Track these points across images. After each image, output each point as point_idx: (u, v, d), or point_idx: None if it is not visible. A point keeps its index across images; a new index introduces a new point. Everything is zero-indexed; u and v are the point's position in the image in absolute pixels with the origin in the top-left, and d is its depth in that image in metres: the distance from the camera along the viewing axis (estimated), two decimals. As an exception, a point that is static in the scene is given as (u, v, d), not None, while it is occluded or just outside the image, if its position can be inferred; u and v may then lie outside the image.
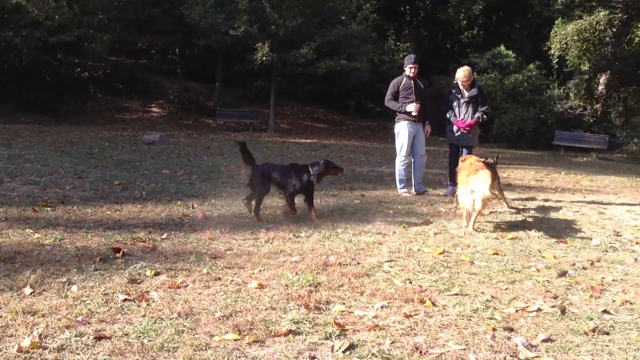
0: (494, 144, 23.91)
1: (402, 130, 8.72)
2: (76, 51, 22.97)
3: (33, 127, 18.47)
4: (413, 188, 8.90)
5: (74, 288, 3.79)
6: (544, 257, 5.20)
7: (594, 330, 3.42)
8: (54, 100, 22.36)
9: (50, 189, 7.63)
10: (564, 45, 25.35)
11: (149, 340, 3.04)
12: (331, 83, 26.31)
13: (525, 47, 30.75)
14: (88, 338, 3.02)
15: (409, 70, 8.56)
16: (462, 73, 8.43)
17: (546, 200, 8.97)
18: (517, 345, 3.17)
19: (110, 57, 27.74)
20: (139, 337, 3.08)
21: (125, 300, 3.64)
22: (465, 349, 3.10)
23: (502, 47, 28.29)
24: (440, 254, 5.19)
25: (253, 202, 6.52)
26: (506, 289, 4.22)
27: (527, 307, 3.81)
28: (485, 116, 8.46)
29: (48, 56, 22.10)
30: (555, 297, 4.05)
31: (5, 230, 5.23)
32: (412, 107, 8.52)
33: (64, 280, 3.94)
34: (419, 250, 5.32)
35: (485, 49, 29.42)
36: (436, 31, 34.95)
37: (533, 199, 9.06)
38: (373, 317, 3.55)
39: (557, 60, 26.64)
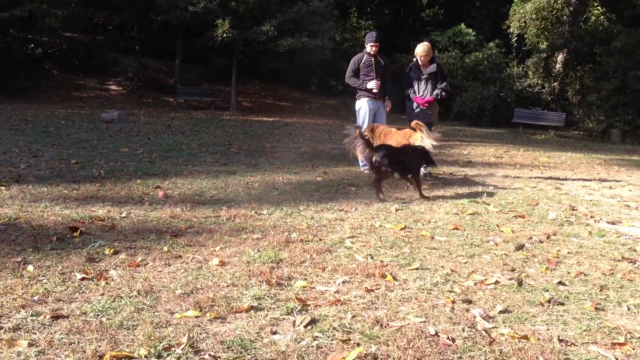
0: (455, 121, 24.22)
1: (362, 106, 8.78)
2: (29, 27, 22.18)
3: (-15, 105, 17.85)
4: None
5: (30, 267, 3.69)
6: (502, 231, 5.31)
7: (549, 301, 3.52)
8: (7, 78, 21.60)
9: (3, 167, 7.40)
10: (523, 24, 25.70)
11: (108, 319, 2.99)
12: (293, 61, 26.11)
13: (485, 26, 31.03)
14: (44, 317, 2.96)
15: (369, 47, 8.59)
16: (420, 48, 8.41)
17: (505, 176, 9.14)
18: (475, 317, 3.23)
19: (66, 33, 26.86)
20: (97, 315, 3.03)
21: (83, 279, 3.57)
22: (425, 322, 3.15)
23: (463, 25, 28.52)
24: (401, 229, 5.24)
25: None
26: (465, 262, 4.30)
27: (485, 280, 3.89)
28: (444, 93, 8.44)
29: (0, 32, 21.29)
30: (513, 270, 4.14)
31: (-44, 210, 5.07)
32: (372, 84, 8.57)
33: (19, 259, 3.84)
34: (380, 226, 5.36)
35: (446, 27, 29.61)
36: (398, 9, 34.98)
37: (492, 175, 9.22)
38: (334, 292, 3.58)
39: (516, 38, 27.01)
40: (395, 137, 7.82)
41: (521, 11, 25.42)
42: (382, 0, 35.44)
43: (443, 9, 34.52)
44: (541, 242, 5.00)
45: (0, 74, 21.45)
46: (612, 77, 21.97)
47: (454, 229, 5.32)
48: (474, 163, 10.88)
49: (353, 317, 3.19)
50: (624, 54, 21.09)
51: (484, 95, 24.41)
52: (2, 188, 6.11)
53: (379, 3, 35.65)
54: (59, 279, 3.55)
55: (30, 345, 2.66)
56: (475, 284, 3.81)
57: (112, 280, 3.60)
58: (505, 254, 4.56)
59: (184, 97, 24.30)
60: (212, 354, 2.67)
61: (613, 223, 5.92)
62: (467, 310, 3.33)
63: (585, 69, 26.27)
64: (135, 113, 19.47)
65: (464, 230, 5.32)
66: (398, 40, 29.97)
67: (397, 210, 6.09)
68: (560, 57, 26.16)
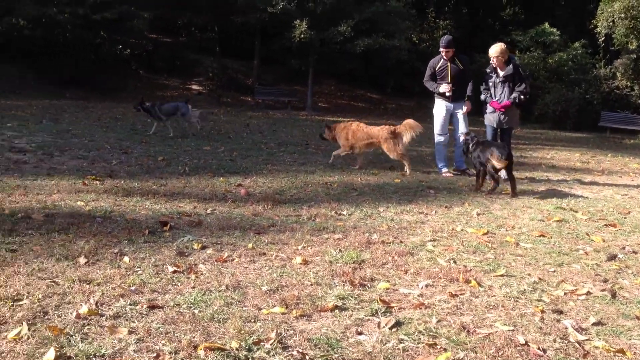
0: (536, 124, 23.43)
1: (438, 108, 8.88)
2: (118, 28, 23.29)
3: (78, 103, 18.87)
4: (454, 165, 9.03)
5: (126, 259, 3.89)
6: (592, 240, 5.10)
7: (645, 315, 3.36)
8: (98, 77, 22.78)
9: (97, 163, 7.82)
10: (611, 23, 24.50)
11: (200, 311, 3.11)
12: (369, 61, 26.08)
13: (570, 25, 29.87)
14: (142, 307, 3.11)
15: (442, 52, 8.65)
16: (492, 50, 8.04)
17: (592, 182, 8.77)
18: (567, 328, 3.13)
19: (151, 34, 28.03)
20: (190, 307, 3.16)
21: (174, 272, 3.72)
22: (513, 330, 3.08)
23: (547, 25, 27.53)
24: (484, 234, 5.14)
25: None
26: (554, 271, 4.16)
27: (576, 290, 3.75)
28: (522, 96, 7.98)
29: (91, 33, 22.47)
30: (605, 281, 3.97)
31: (58, 202, 5.39)
32: (444, 88, 8.63)
33: (115, 251, 4.05)
34: (462, 230, 5.28)
35: (527, 26, 28.67)
36: (477, 8, 34.22)
37: (579, 181, 8.86)
38: (418, 296, 3.56)
39: (603, 38, 25.79)
40: (362, 133, 8.70)
41: (609, 10, 24.25)
42: (460, -1, 34.82)
43: (524, 8, 33.45)
44: (635, 252, 4.77)
45: (92, 74, 22.66)
46: None
47: (540, 236, 5.16)
48: (559, 168, 10.49)
49: (438, 321, 3.16)
50: None
51: (568, 98, 23.50)
52: (97, 182, 6.47)
53: (457, 2, 35.01)
54: (153, 270, 3.72)
55: (130, 332, 2.81)
56: (565, 293, 3.68)
57: (202, 274, 3.73)
58: (596, 264, 4.38)
59: (262, 96, 24.80)
60: (300, 350, 2.72)
61: None
62: (558, 320, 3.23)
63: (679, 70, 24.79)
64: (216, 112, 20.04)
65: (551, 237, 5.14)
66: (477, 40, 29.33)
67: (478, 214, 5.97)
68: (651, 57, 24.79)
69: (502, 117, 8.12)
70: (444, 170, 8.77)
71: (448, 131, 9.01)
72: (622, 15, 24.00)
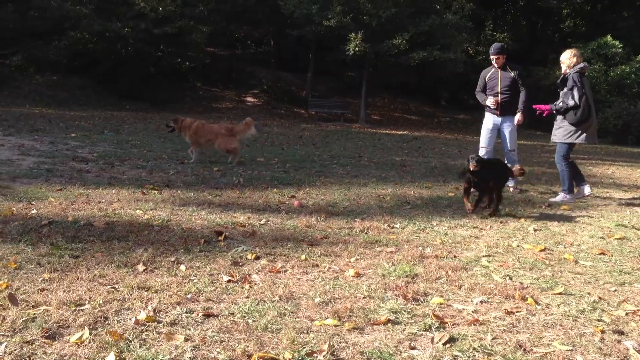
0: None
1: (485, 121, 8.54)
2: (177, 42, 24.00)
3: (137, 115, 19.50)
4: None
5: (182, 267, 3.99)
6: (656, 259, 4.91)
7: None
8: (156, 89, 23.50)
9: (156, 173, 8.06)
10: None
11: (254, 321, 3.15)
12: (424, 74, 25.93)
13: (634, 38, 28.87)
14: (197, 315, 3.18)
15: (492, 60, 8.33)
16: (563, 56, 7.67)
17: (656, 199, 8.42)
18: (628, 349, 3.01)
19: (208, 48, 28.73)
20: (244, 317, 3.20)
21: (229, 281, 3.79)
22: (572, 350, 2.99)
23: (609, 37, 26.73)
24: (541, 251, 5.01)
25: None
26: (615, 290, 4.02)
27: (638, 310, 3.61)
28: (562, 104, 7.40)
29: (152, 47, 23.23)
30: (670, 302, 3.81)
31: (118, 210, 5.58)
32: (490, 101, 8.32)
33: (172, 259, 4.15)
34: (518, 246, 5.16)
35: (588, 38, 27.96)
36: (536, 20, 33.55)
37: (641, 197, 8.53)
38: (472, 312, 3.50)
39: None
40: (204, 131, 9.46)
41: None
42: (518, 10, 34.19)
43: (585, 20, 32.60)
44: (702, 273, 4.55)
45: (151, 86, 23.38)
46: None
47: (600, 254, 4.99)
48: (620, 184, 10.13)
49: (493, 338, 3.10)
50: None
51: (630, 112, 22.70)
52: (155, 192, 6.66)
53: (515, 14, 34.43)
54: (208, 279, 3.80)
55: (186, 340, 2.87)
56: (627, 314, 3.55)
57: (256, 284, 3.78)
58: (660, 284, 4.20)
59: (315, 109, 24.99)
60: (353, 363, 2.72)
61: None
62: (619, 341, 3.11)
63: None
64: (269, 124, 20.32)
65: (612, 255, 4.97)
66: (535, 53, 28.74)
67: (535, 230, 5.83)
68: None
69: (554, 129, 7.73)
70: (513, 186, 8.56)
71: (492, 145, 8.48)
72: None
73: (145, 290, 3.50)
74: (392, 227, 5.66)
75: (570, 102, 7.32)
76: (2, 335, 2.77)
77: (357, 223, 5.72)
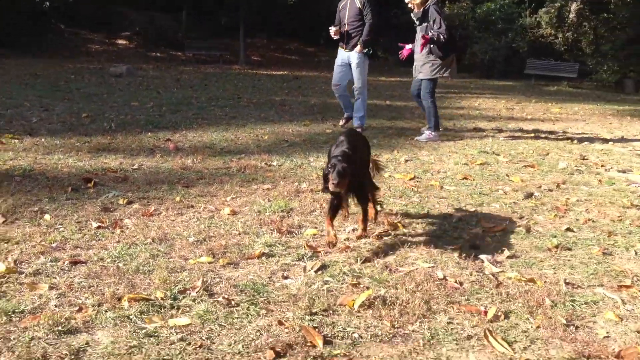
0: (465, 73, 23.89)
1: (337, 57, 8.05)
2: (35, -21, 21.95)
3: (-6, 61, 17.83)
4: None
5: (47, 216, 3.78)
6: (511, 180, 5.34)
7: (557, 247, 3.56)
8: (14, 32, 21.48)
9: (16, 121, 7.47)
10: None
11: (124, 264, 3.08)
12: (301, 14, 25.71)
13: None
14: (63, 263, 3.05)
15: None
16: None
17: (516, 128, 9.09)
18: (483, 262, 3.29)
19: (71, -14, 26.53)
20: (114, 261, 3.12)
21: (99, 227, 3.65)
22: (433, 267, 3.22)
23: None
24: (410, 179, 5.28)
25: None
26: (474, 211, 4.34)
27: (493, 227, 3.94)
28: (440, 36, 7.07)
29: (5, -15, 21.09)
30: (521, 218, 4.18)
31: (-28, 162, 5.15)
32: (331, 31, 7.83)
33: (36, 209, 3.92)
34: (389, 176, 5.39)
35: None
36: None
37: (503, 127, 9.17)
38: (344, 240, 3.64)
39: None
40: None
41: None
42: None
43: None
44: (551, 190, 5.03)
45: (7, 28, 21.32)
46: (626, 27, 21.51)
47: (463, 179, 5.34)
48: (485, 115, 10.81)
49: (363, 262, 3.26)
50: (639, 3, 20.57)
51: (495, 47, 24.03)
52: (16, 141, 6.19)
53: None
54: (76, 227, 3.64)
55: (50, 288, 2.75)
56: (483, 231, 3.86)
57: (127, 228, 3.68)
58: (514, 202, 4.59)
59: (193, 51, 24.16)
60: (226, 296, 2.75)
61: (624, 171, 5.92)
62: (475, 256, 3.39)
63: (599, 19, 25.66)
64: (144, 67, 19.39)
65: (473, 179, 5.34)
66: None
67: (406, 161, 6.11)
68: (573, 7, 25.54)
69: (416, 65, 7.55)
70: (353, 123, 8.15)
71: (343, 81, 8.04)
72: (546, -36, 24.53)
73: (5, 242, 3.29)
74: (270, 165, 5.69)
75: (444, 32, 7.08)
76: None
77: (234, 163, 5.68)
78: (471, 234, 3.80)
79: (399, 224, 3.92)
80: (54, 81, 12.88)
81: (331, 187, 3.23)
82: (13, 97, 9.63)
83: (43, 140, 6.32)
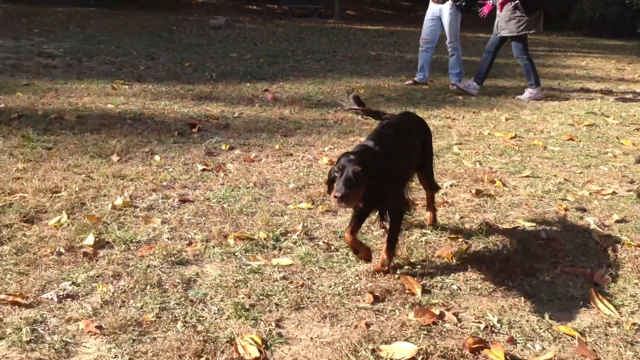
0: (572, 31, 22.50)
1: (427, 12, 7.84)
2: None
3: (103, 11, 18.65)
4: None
5: (157, 157, 4.00)
6: (622, 143, 5.04)
7: (670, 214, 3.36)
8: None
9: (125, 68, 7.86)
10: None
11: (229, 205, 3.21)
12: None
13: None
14: (173, 201, 3.23)
15: None
16: None
17: (627, 90, 8.52)
18: (589, 225, 3.16)
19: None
20: (219, 202, 3.27)
21: (204, 170, 3.82)
22: (535, 226, 3.13)
23: None
24: (511, 138, 5.11)
25: None
26: (580, 172, 4.16)
27: (601, 190, 3.76)
28: None
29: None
30: (632, 182, 3.96)
31: (89, 105, 5.49)
32: None
33: (146, 150, 4.15)
34: (489, 134, 5.25)
35: None
36: None
37: (613, 88, 8.62)
38: (442, 194, 3.61)
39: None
40: None
41: None
42: None
43: None
44: (665, 156, 4.71)
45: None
46: None
47: (568, 140, 5.11)
48: (592, 76, 10.18)
49: (461, 217, 3.22)
50: None
51: (606, 2, 22.36)
52: (126, 87, 6.53)
53: None
54: (183, 168, 3.83)
55: (163, 222, 2.94)
56: (590, 193, 3.70)
57: (230, 172, 3.82)
58: (624, 166, 4.35)
59: (288, 4, 24.17)
60: (326, 241, 2.82)
61: None
62: (581, 218, 3.26)
63: None
64: (241, 20, 19.65)
65: (580, 141, 5.09)
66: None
67: (507, 119, 5.91)
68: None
69: (499, 22, 7.07)
70: (417, 78, 8.05)
71: (434, 36, 7.84)
72: None
73: (121, 179, 3.52)
74: (366, 119, 5.66)
75: None
76: (-21, 220, 2.80)
77: (330, 115, 5.72)
78: (577, 195, 3.65)
79: (499, 182, 3.83)
80: (158, 32, 13.35)
81: (333, 202, 2.23)
82: (122, 46, 10.10)
83: (150, 86, 6.63)
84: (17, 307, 2.11)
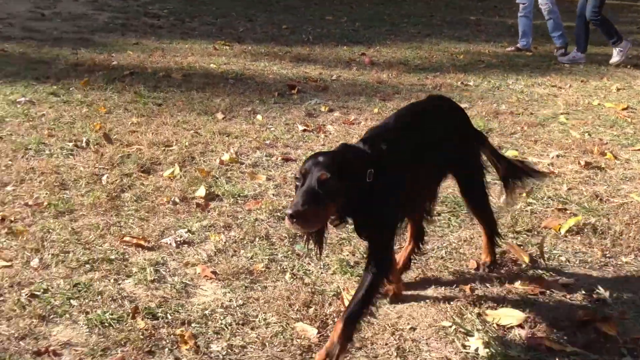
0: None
1: None
2: None
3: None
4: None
5: (259, 117, 4.11)
6: None
7: None
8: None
9: (225, 29, 8.06)
10: None
11: (331, 166, 3.26)
12: None
13: None
14: (277, 159, 3.33)
15: None
16: None
17: None
18: None
19: None
20: (322, 162, 3.32)
21: (304, 130, 3.89)
22: (650, 201, 2.97)
23: None
24: (623, 109, 4.82)
25: None
26: (701, 148, 3.88)
27: None
28: None
29: None
30: None
31: (193, 64, 5.69)
32: None
33: (249, 109, 4.27)
34: (599, 104, 4.98)
35: None
36: None
37: None
38: (548, 164, 3.49)
39: None
40: None
41: None
42: None
43: None
44: None
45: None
46: None
47: (687, 114, 4.77)
48: None
49: (569, 189, 3.11)
50: None
51: None
52: (227, 47, 6.71)
53: None
54: (284, 128, 3.91)
55: (267, 179, 3.03)
56: None
57: (330, 134, 3.87)
58: None
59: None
60: (428, 205, 2.81)
61: None
62: (702, 195, 3.06)
63: None
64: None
65: (700, 115, 4.74)
66: None
67: (618, 89, 5.57)
68: None
69: None
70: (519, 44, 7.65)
71: (529, 1, 7.50)
72: None
73: (226, 136, 3.65)
74: (466, 85, 5.54)
75: None
76: (103, 168, 3.00)
77: (429, 80, 5.62)
78: (696, 172, 3.42)
79: (610, 154, 3.64)
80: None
81: (287, 223, 1.53)
82: (221, 7, 10.32)
83: (250, 48, 6.76)
84: (140, 249, 2.27)
